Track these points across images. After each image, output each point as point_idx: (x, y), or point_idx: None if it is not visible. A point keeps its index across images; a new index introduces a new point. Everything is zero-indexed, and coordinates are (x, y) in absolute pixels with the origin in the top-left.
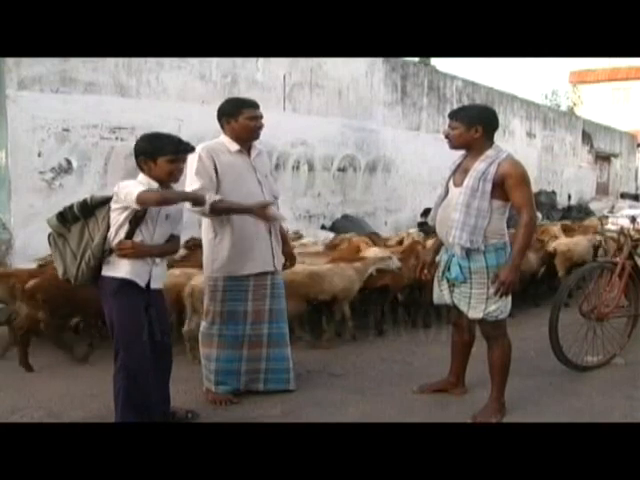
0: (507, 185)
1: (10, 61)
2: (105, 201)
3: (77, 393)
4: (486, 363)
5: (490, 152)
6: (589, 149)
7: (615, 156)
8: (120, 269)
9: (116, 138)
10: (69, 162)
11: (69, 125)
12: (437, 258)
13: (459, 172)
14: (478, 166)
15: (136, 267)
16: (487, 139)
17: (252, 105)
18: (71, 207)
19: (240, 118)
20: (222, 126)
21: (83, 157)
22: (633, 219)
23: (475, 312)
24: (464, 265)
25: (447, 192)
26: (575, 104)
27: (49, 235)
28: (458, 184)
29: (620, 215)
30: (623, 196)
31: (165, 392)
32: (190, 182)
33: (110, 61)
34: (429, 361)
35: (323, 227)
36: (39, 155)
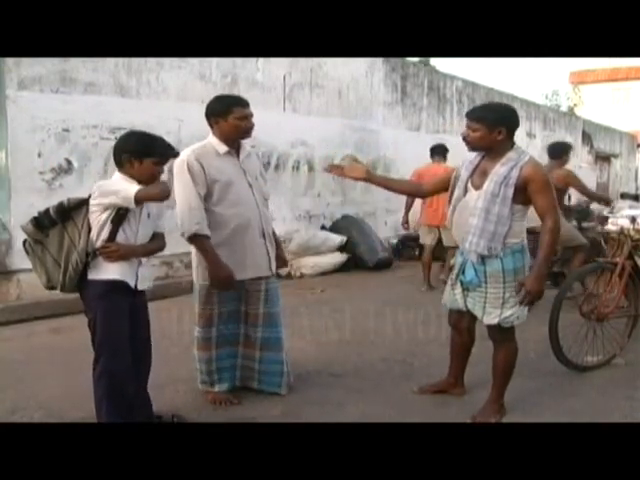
0: (530, 190)
1: (10, 61)
2: (82, 203)
3: (77, 393)
4: (486, 364)
5: (512, 154)
6: (589, 149)
7: (615, 156)
8: (108, 271)
9: (116, 138)
10: (69, 162)
11: (69, 125)
12: (452, 261)
13: (477, 174)
14: (499, 170)
15: (124, 268)
16: (509, 140)
17: (242, 104)
18: (47, 211)
19: (230, 118)
20: (210, 125)
21: (83, 157)
22: (633, 219)
23: (490, 318)
24: (479, 268)
25: (465, 193)
26: (575, 104)
27: (24, 242)
28: (477, 187)
29: (620, 215)
30: (623, 196)
31: (145, 394)
32: (187, 192)
33: (110, 61)
34: (429, 361)
35: (323, 227)
36: (39, 155)
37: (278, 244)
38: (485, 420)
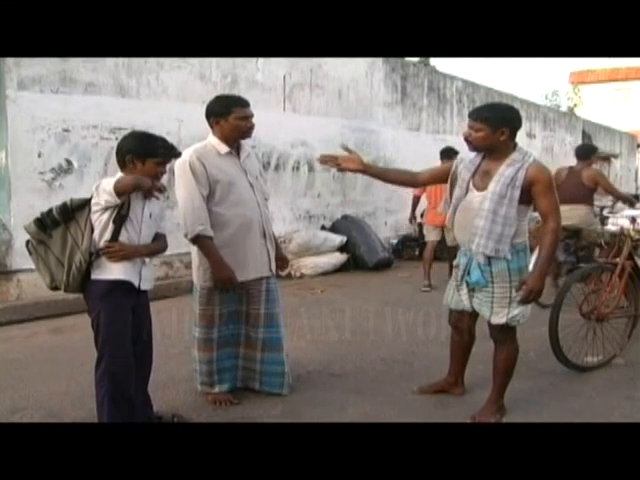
0: (534, 191)
1: (10, 61)
2: (85, 203)
3: (77, 393)
4: (486, 364)
5: (516, 155)
6: None
7: (615, 156)
8: (112, 271)
9: (116, 138)
10: (69, 162)
11: (69, 125)
12: (455, 261)
13: (479, 174)
14: (505, 171)
15: (127, 268)
16: (511, 140)
17: (242, 104)
18: (50, 212)
19: (230, 118)
20: (211, 125)
21: (83, 157)
22: (633, 219)
23: (498, 317)
24: (485, 269)
25: (466, 193)
26: (575, 104)
27: (27, 242)
28: (480, 188)
29: (620, 215)
30: None
31: (146, 395)
32: (190, 192)
33: (110, 61)
34: (429, 361)
35: (323, 227)
36: (39, 155)
37: (277, 245)
38: (485, 420)
